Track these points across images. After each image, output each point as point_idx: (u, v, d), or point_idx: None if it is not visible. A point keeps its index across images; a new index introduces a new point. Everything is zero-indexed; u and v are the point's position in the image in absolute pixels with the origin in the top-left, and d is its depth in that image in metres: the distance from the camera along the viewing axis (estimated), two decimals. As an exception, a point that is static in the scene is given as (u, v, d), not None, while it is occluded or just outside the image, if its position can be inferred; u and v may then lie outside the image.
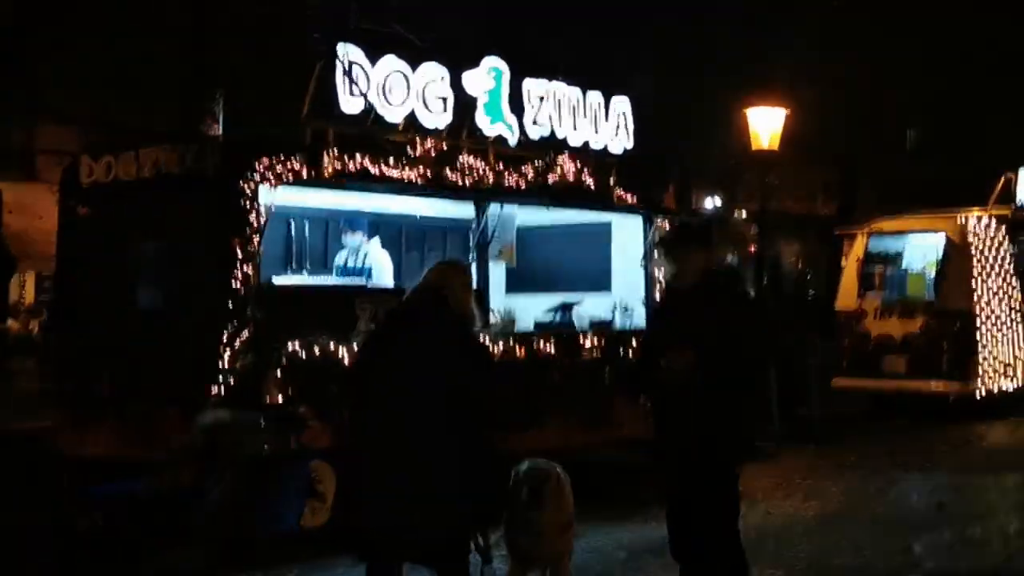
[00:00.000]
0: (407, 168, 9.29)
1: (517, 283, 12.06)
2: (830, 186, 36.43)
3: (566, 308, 11.25)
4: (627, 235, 11.56)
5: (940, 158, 32.26)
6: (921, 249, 17.07)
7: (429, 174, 9.45)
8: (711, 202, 38.87)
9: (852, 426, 15.07)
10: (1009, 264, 16.62)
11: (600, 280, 11.65)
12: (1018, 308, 16.61)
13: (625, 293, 11.47)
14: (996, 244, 16.55)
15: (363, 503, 5.35)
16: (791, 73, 29.11)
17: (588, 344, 10.48)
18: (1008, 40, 29.41)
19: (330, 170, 8.74)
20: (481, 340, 6.37)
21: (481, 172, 9.85)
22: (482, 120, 9.91)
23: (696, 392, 5.54)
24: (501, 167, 10.08)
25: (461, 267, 5.88)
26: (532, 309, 11.43)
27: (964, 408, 15.64)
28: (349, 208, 10.30)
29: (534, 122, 10.32)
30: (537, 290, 11.76)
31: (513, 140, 10.16)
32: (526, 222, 11.90)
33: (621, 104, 11.18)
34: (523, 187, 10.15)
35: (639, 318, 11.31)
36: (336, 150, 8.84)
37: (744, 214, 43.71)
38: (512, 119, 10.13)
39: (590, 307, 11.37)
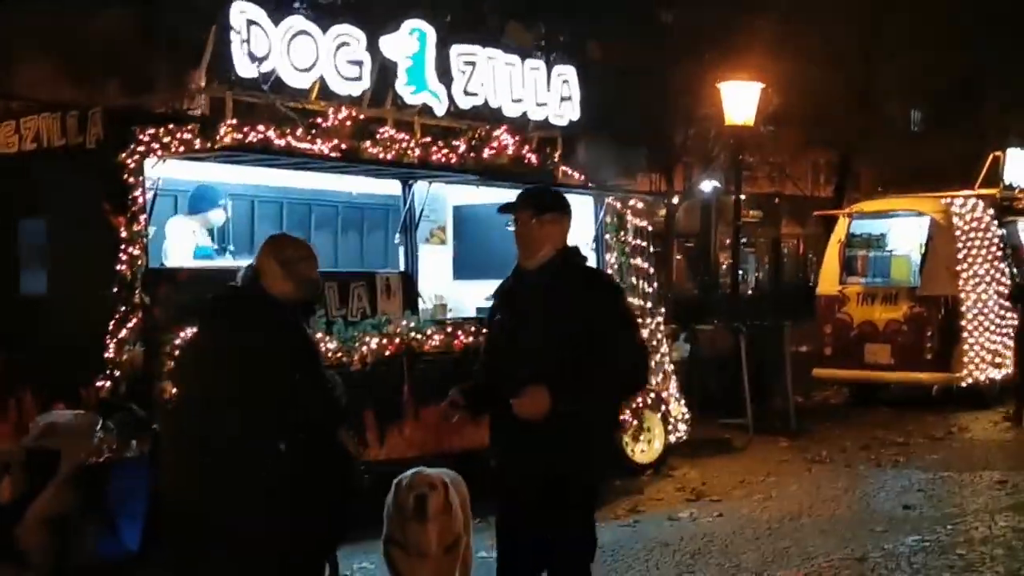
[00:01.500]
0: (319, 140, 8.46)
1: (464, 268, 11.25)
2: (834, 168, 35.79)
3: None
4: (576, 215, 10.68)
5: (944, 139, 31.62)
6: (906, 232, 16.24)
7: (344, 147, 8.62)
8: (708, 184, 38.21)
9: (831, 417, 14.26)
10: (996, 248, 15.76)
11: (548, 264, 10.79)
12: (1007, 294, 15.75)
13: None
14: (983, 227, 15.69)
15: None
16: (786, 51, 28.46)
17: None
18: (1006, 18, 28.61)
19: (227, 141, 7.91)
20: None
21: (405, 145, 9.01)
22: (404, 88, 9.08)
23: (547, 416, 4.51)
24: (429, 140, 9.24)
25: (279, 242, 5.00)
26: (479, 296, 10.62)
27: (949, 399, 14.84)
28: (258, 185, 9.48)
29: (465, 91, 9.49)
30: (485, 275, 10.90)
31: (440, 110, 9.33)
32: (469, 202, 11.11)
33: (566, 73, 10.34)
34: (454, 162, 9.31)
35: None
36: (235, 119, 8.02)
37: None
38: (439, 87, 9.30)
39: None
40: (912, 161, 31.67)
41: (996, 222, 15.88)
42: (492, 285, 10.68)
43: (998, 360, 15.27)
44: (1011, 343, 15.50)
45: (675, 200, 33.08)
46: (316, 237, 9.74)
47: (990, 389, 15.11)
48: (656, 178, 37.81)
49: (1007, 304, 15.64)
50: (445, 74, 9.39)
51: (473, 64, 9.55)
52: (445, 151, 9.28)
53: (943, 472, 10.42)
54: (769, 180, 39.58)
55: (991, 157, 16.91)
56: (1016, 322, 14.29)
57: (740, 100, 15.68)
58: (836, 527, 8.26)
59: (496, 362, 4.81)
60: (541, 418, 4.41)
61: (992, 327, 15.08)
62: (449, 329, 9.02)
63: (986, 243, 15.67)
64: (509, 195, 10.66)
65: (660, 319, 11.08)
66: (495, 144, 9.72)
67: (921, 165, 30.37)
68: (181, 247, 8.96)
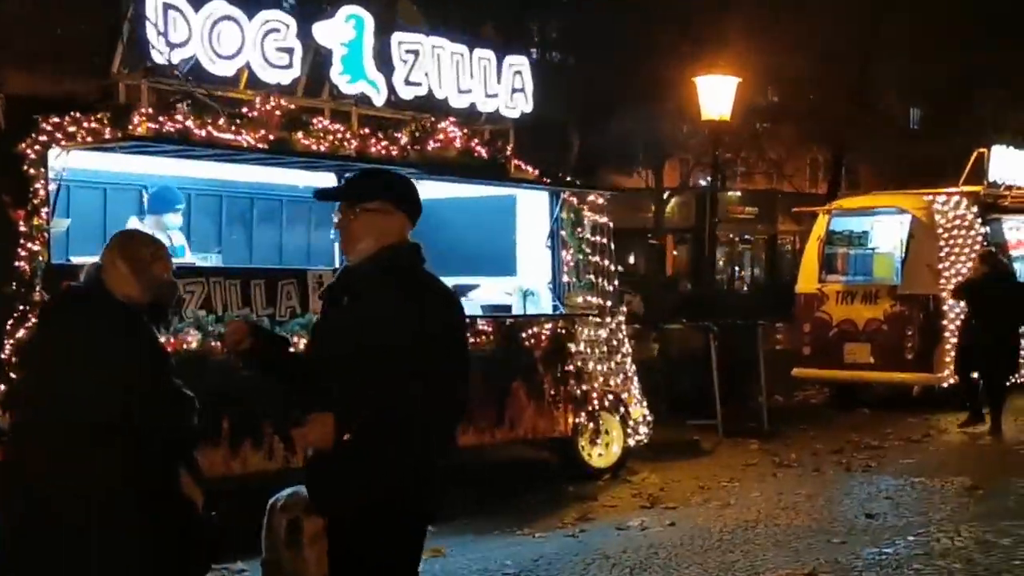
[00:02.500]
0: (244, 131, 8.02)
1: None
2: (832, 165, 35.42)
3: (459, 293, 9.94)
4: (533, 212, 10.30)
5: (940, 136, 31.26)
6: (888, 229, 15.79)
7: (273, 138, 8.18)
8: (705, 181, 37.79)
9: (807, 418, 13.80)
10: (980, 246, 15.27)
11: (504, 262, 10.36)
12: (951, 289, 15.27)
13: (531, 276, 10.21)
14: (966, 225, 15.23)
15: None
16: (781, 47, 28.11)
17: (477, 332, 9.18)
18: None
19: (141, 131, 7.48)
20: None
21: (340, 137, 8.57)
22: (339, 77, 8.65)
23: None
24: (367, 132, 8.80)
25: (133, 241, 4.52)
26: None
27: (930, 400, 14.37)
28: (196, 178, 9.05)
29: (407, 80, 9.05)
30: (438, 273, 10.48)
31: (379, 100, 8.90)
32: (422, 197, 10.66)
33: (517, 63, 9.90)
34: (395, 155, 8.87)
35: (546, 304, 10.06)
36: (150, 108, 7.59)
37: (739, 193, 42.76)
38: (378, 76, 8.86)
39: (489, 291, 10.11)
40: (909, 159, 31.33)
41: (980, 220, 15.43)
42: (450, 283, 10.42)
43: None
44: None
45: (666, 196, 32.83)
46: (259, 233, 9.31)
47: (972, 391, 14.63)
48: (645, 174, 37.59)
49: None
50: (386, 63, 8.95)
51: (416, 53, 9.11)
52: (385, 143, 8.85)
53: (914, 478, 9.96)
54: (766, 177, 39.24)
55: (975, 154, 16.45)
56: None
57: (716, 95, 15.27)
58: (791, 538, 7.80)
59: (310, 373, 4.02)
60: (327, 449, 3.68)
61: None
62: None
63: (969, 241, 15.20)
64: (461, 190, 10.41)
65: (622, 318, 10.64)
66: (440, 137, 9.28)
67: (918, 163, 30.05)
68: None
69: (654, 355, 13.40)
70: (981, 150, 16.35)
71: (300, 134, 8.38)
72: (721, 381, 12.83)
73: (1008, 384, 13.15)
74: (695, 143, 33.17)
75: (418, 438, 3.69)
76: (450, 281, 9.92)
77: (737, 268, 45.21)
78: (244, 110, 8.15)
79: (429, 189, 10.31)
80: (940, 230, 14.90)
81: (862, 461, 10.78)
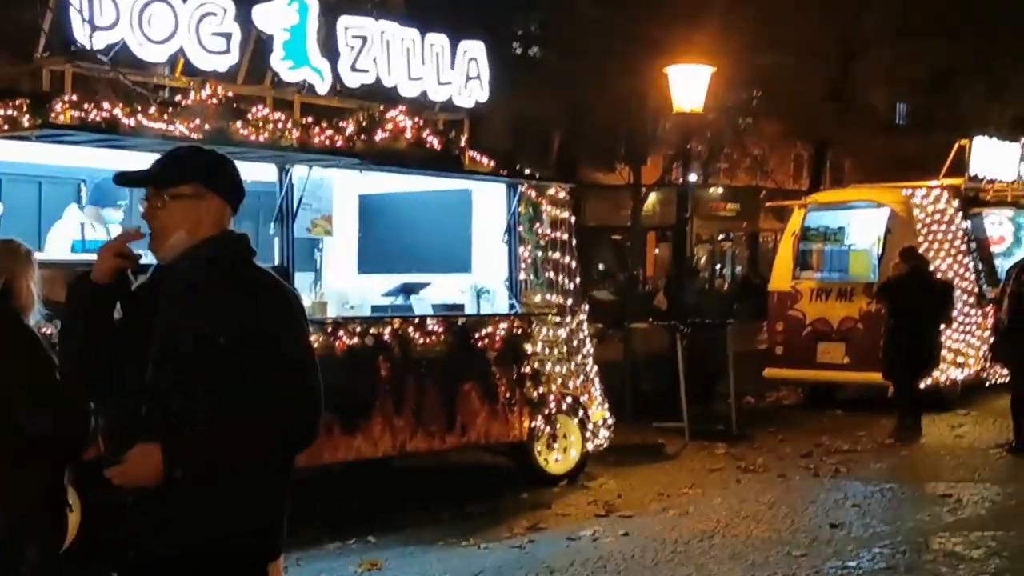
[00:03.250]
0: (178, 120, 7.60)
1: (370, 261, 10.43)
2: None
3: (408, 290, 9.57)
4: (490, 206, 9.88)
5: (923, 130, 30.96)
6: (866, 224, 15.43)
7: (208, 127, 7.75)
8: (692, 176, 37.45)
9: (779, 420, 13.40)
10: (961, 241, 14.95)
11: (459, 259, 9.95)
12: (971, 290, 14.95)
13: (487, 274, 9.81)
14: (946, 219, 14.89)
15: None
16: (762, 41, 27.75)
17: (426, 332, 8.78)
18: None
19: (63, 120, 7.05)
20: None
21: (281, 126, 8.15)
22: (281, 63, 8.22)
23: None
24: (309, 121, 8.38)
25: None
26: (380, 292, 9.83)
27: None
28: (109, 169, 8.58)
29: (353, 67, 8.62)
30: (393, 269, 10.10)
31: (323, 88, 8.47)
32: (372, 190, 10.29)
33: (472, 49, 9.48)
34: (340, 145, 8.44)
35: (501, 303, 9.66)
36: (74, 95, 7.16)
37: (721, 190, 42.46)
38: (323, 63, 8.42)
39: (442, 289, 9.71)
40: (895, 153, 31.01)
41: (961, 214, 15.09)
42: (400, 280, 10.02)
43: (960, 360, 14.48)
44: (975, 342, 14.80)
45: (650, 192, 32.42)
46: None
47: (951, 391, 14.32)
48: (624, 169, 37.24)
49: (971, 301, 14.89)
50: (332, 49, 8.53)
51: (364, 39, 8.68)
52: (329, 133, 8.43)
53: (884, 484, 9.59)
54: (749, 173, 38.94)
55: (956, 146, 16.09)
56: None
57: (689, 86, 14.83)
58: (749, 550, 7.43)
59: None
60: (151, 486, 3.07)
61: (954, 325, 14.21)
62: (329, 330, 8.16)
63: (949, 236, 14.89)
64: (414, 183, 10.01)
65: (583, 317, 10.23)
66: (390, 126, 8.86)
67: (904, 157, 29.72)
68: (60, 238, 8.25)
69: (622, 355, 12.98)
70: (962, 142, 15.99)
71: (238, 123, 7.95)
72: (690, 382, 12.47)
73: (921, 386, 12.82)
74: (677, 138, 32.89)
75: (263, 467, 3.21)
76: (401, 278, 9.75)
77: (719, 266, 44.90)
78: (178, 98, 7.71)
79: (381, 182, 10.02)
80: (919, 225, 14.56)
81: (831, 466, 10.40)
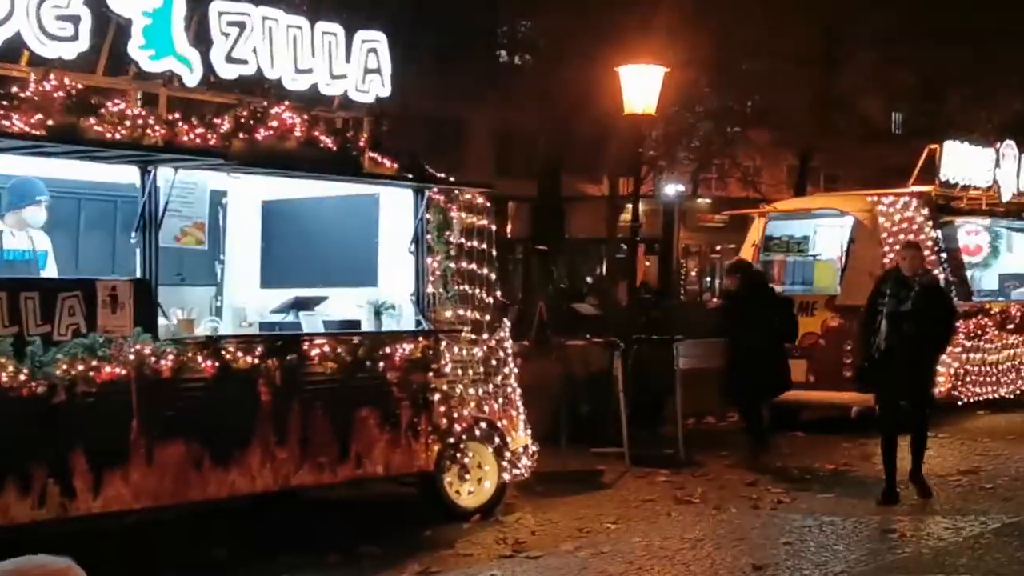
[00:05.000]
0: (15, 115, 6.75)
1: (274, 274, 9.56)
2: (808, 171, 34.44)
3: (301, 306, 8.71)
4: (399, 213, 9.01)
5: (908, 138, 30.29)
6: (831, 234, 14.61)
7: (52, 123, 6.90)
8: (673, 188, 36.75)
9: (733, 443, 12.41)
10: (930, 252, 14.04)
11: (364, 271, 9.08)
12: (942, 303, 14.04)
13: (394, 287, 8.93)
14: (915, 228, 14.03)
15: None
16: (751, 50, 27.15)
17: (314, 353, 7.91)
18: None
19: None
20: None
21: (143, 123, 7.30)
22: (140, 52, 7.36)
23: None
24: (176, 117, 7.53)
25: None
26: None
27: (871, 422, 13.08)
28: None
29: (229, 57, 7.76)
30: (297, 282, 9.24)
31: (192, 80, 7.61)
32: (276, 197, 9.44)
33: (371, 40, 8.62)
34: (212, 144, 7.59)
35: (407, 319, 8.79)
36: None
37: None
38: (192, 53, 7.57)
39: (344, 304, 8.84)
40: (885, 161, 30.26)
41: (931, 223, 14.23)
42: (303, 293, 9.16)
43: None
44: (946, 358, 13.88)
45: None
46: (56, 236, 7.99)
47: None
48: (615, 180, 36.55)
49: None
50: (204, 37, 7.68)
51: (241, 26, 7.82)
52: (201, 131, 7.58)
53: (828, 516, 8.72)
54: (739, 184, 38.20)
55: (926, 151, 15.25)
56: None
57: (640, 86, 14.03)
58: (656, 598, 6.55)
59: None
60: None
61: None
62: (194, 351, 7.28)
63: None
64: (316, 188, 9.14)
65: (504, 334, 9.36)
66: (274, 124, 8.01)
67: (897, 165, 28.98)
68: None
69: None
70: (933, 147, 15.13)
71: (92, 119, 7.10)
72: (637, 404, 11.62)
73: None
74: (657, 145, 32.26)
75: None
76: (294, 292, 8.88)
77: (708, 279, 44.05)
78: (15, 90, 6.87)
79: (285, 188, 9.16)
80: (884, 234, 13.73)
81: (775, 496, 9.53)
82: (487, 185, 9.42)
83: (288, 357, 7.75)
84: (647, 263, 42.41)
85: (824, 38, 29.01)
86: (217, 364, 7.37)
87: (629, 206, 37.27)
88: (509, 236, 34.63)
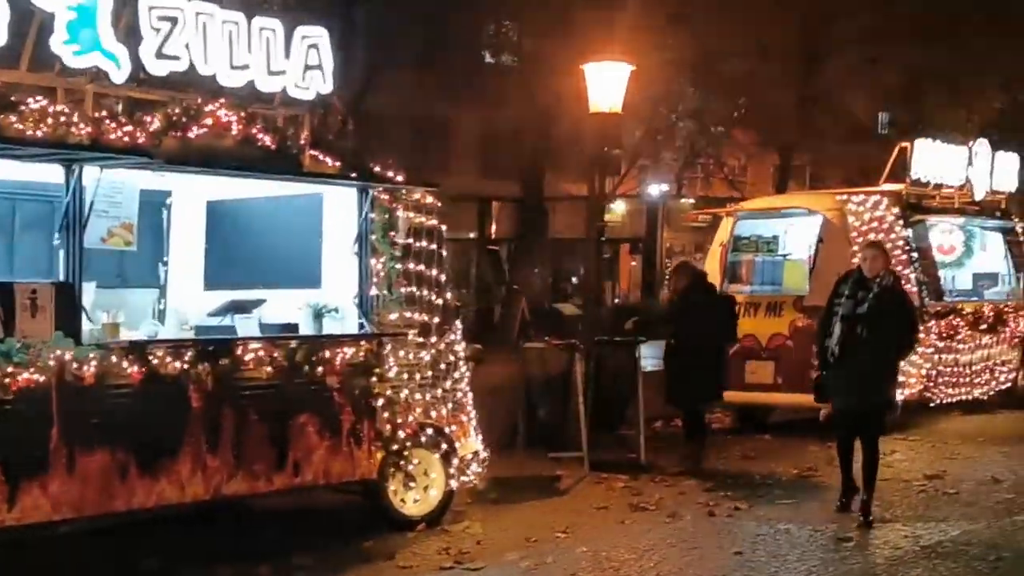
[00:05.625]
0: (-76, 112, 6.50)
1: (217, 276, 9.31)
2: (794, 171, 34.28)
3: (239, 309, 8.45)
4: (343, 213, 8.76)
5: (889, 138, 30.10)
6: (802, 234, 14.36)
7: (-32, 121, 6.64)
8: (657, 188, 36.57)
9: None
10: (901, 251, 13.83)
11: (307, 272, 8.82)
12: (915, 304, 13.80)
13: (339, 289, 8.67)
14: (885, 227, 13.79)
15: None
16: (734, 49, 26.98)
17: (249, 358, 7.65)
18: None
19: None
20: None
21: (66, 121, 7.04)
22: (64, 47, 7.09)
23: None
24: (103, 115, 7.27)
25: None
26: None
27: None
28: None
29: (159, 53, 7.49)
30: (242, 284, 8.99)
31: (120, 76, 7.34)
32: (221, 196, 9.19)
33: (313, 35, 8.36)
34: (141, 142, 7.32)
35: (351, 322, 8.53)
36: None
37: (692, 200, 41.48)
38: (119, 48, 7.30)
39: (285, 307, 8.58)
40: (871, 161, 30.09)
41: (902, 222, 13.99)
42: (248, 295, 8.90)
43: (900, 379, 13.31)
44: (917, 359, 13.68)
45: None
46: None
47: (889, 414, 13.15)
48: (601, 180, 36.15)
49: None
50: (133, 32, 7.42)
51: (173, 21, 7.55)
52: (129, 129, 7.31)
53: (784, 524, 8.48)
54: (725, 184, 38.00)
55: (897, 149, 15.03)
56: None
57: (606, 84, 13.73)
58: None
59: None
60: None
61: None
62: (119, 356, 7.01)
63: (888, 246, 13.69)
64: (268, 188, 8.88)
65: (455, 337, 9.10)
66: (209, 122, 7.75)
67: (874, 164, 28.83)
68: None
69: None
70: (904, 145, 14.92)
71: (12, 117, 6.84)
72: (598, 407, 11.39)
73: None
74: (638, 147, 32.12)
75: None
76: (231, 295, 8.62)
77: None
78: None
79: (230, 188, 8.90)
80: (854, 233, 13.49)
81: (733, 502, 9.29)
82: (434, 184, 9.13)
83: (220, 362, 7.48)
84: (632, 263, 42.27)
85: (804, 36, 28.81)
86: (144, 370, 7.10)
87: (612, 206, 37.28)
88: (493, 236, 34.41)
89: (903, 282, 13.49)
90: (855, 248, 13.19)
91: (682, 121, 32.25)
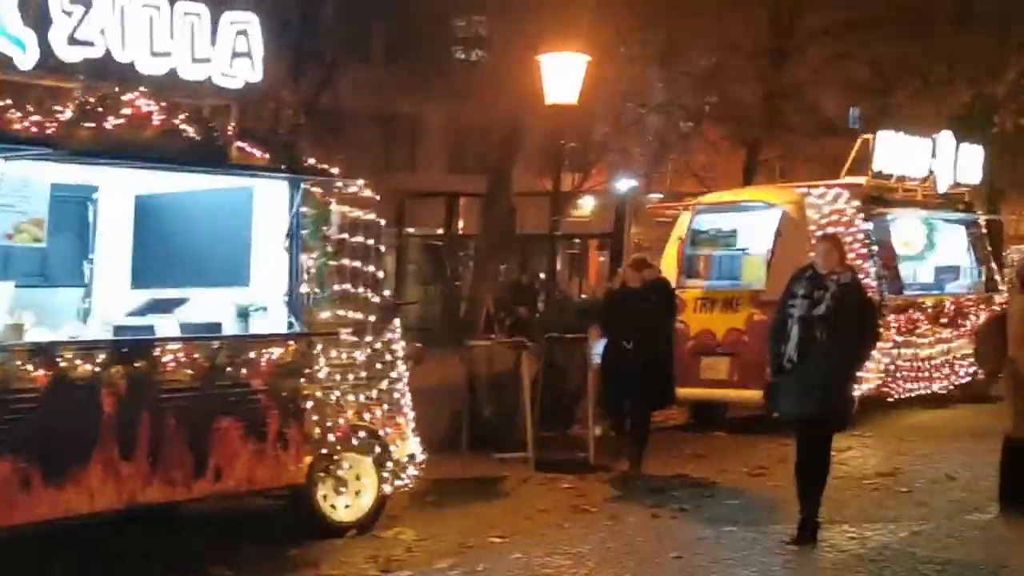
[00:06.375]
0: None
1: (146, 274, 8.96)
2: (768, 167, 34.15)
3: (160, 308, 8.12)
4: (274, 208, 8.42)
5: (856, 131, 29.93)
6: (761, 228, 14.09)
7: None
8: (625, 183, 36.33)
9: (652, 445, 11.88)
10: (861, 245, 13.59)
11: (237, 269, 8.49)
12: (875, 298, 13.55)
13: (268, 287, 8.34)
14: (845, 221, 13.55)
15: None
16: (702, 44, 26.81)
17: (167, 359, 7.32)
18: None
19: None
20: None
21: (-38, 109, 6.70)
22: (-38, 32, 6.76)
23: None
24: (6, 103, 6.92)
25: None
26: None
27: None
28: None
29: (72, 39, 7.14)
30: (170, 283, 8.66)
31: (27, 62, 6.98)
32: (146, 190, 8.85)
33: (241, 21, 8.01)
34: (51, 133, 6.98)
35: (280, 321, 8.20)
36: None
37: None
38: (26, 32, 6.95)
39: (211, 306, 8.24)
40: (835, 155, 29.94)
41: (862, 216, 13.75)
42: (170, 294, 8.57)
43: (857, 376, 13.05)
44: (875, 354, 13.42)
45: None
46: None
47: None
48: (569, 175, 36.16)
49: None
50: (43, 16, 7.07)
51: (87, 4, 7.20)
52: (37, 119, 6.97)
53: (728, 526, 8.22)
54: (696, 179, 37.81)
55: (859, 141, 14.80)
56: None
57: (562, 75, 13.46)
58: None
59: None
60: None
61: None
62: (22, 359, 6.67)
63: (848, 240, 13.46)
64: (197, 182, 8.53)
65: (393, 335, 8.78)
66: (127, 111, 7.41)
67: (843, 159, 28.67)
68: None
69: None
70: (866, 137, 14.68)
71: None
72: (548, 405, 11.12)
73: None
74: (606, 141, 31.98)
75: None
76: (151, 293, 8.29)
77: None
78: None
79: (160, 182, 8.54)
80: (813, 227, 13.24)
81: (679, 503, 9.02)
82: (369, 177, 8.81)
83: (135, 364, 7.15)
84: (601, 258, 42.03)
85: (772, 31, 28.63)
86: (50, 373, 6.76)
87: (580, 201, 37.03)
88: (461, 232, 34.12)
89: (862, 275, 13.44)
90: (814, 242, 12.93)
91: (651, 115, 32.06)
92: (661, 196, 41.46)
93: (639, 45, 27.68)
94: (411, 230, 31.66)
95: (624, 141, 32.88)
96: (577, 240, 39.75)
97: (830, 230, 13.24)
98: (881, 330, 12.59)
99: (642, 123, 32.27)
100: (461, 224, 34.71)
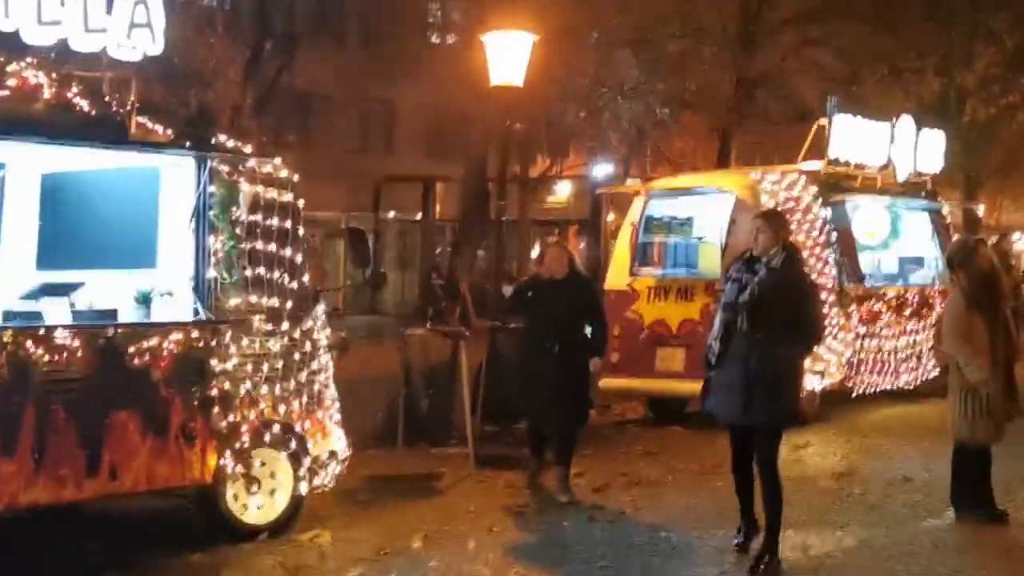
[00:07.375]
0: None
1: (53, 255, 8.36)
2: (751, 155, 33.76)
3: (54, 292, 7.54)
4: (183, 187, 7.86)
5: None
6: (716, 214, 13.58)
7: None
8: (603, 170, 35.92)
9: (602, 441, 11.39)
10: (819, 232, 13.10)
11: (144, 251, 7.92)
12: (831, 287, 13.06)
13: (174, 270, 7.78)
14: (802, 207, 13.05)
15: None
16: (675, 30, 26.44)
17: (55, 348, 6.76)
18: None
19: None
20: None
21: None
22: None
23: None
24: None
25: None
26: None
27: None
28: None
29: (-52, 4, 6.59)
30: (80, 264, 8.08)
31: None
32: (53, 168, 8.26)
33: (139, -11, 7.44)
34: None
35: (185, 308, 7.63)
36: None
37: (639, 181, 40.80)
38: None
39: (114, 289, 7.66)
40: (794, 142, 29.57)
41: (819, 202, 13.25)
42: (86, 276, 7.99)
43: (818, 368, 12.59)
44: (837, 346, 12.98)
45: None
46: None
47: (809, 403, 12.40)
48: (546, 160, 35.76)
49: (830, 299, 12.96)
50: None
51: (-36, -33, 6.64)
52: (-94, 89, 6.40)
53: (666, 530, 7.71)
54: (673, 166, 37.38)
55: (815, 126, 14.29)
56: None
57: (507, 55, 12.91)
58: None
59: None
60: None
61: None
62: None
63: (805, 226, 13.01)
64: (105, 159, 7.96)
65: (315, 324, 8.21)
66: (12, 83, 6.84)
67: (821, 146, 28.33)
68: None
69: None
70: (821, 122, 14.15)
71: None
72: (491, 398, 10.60)
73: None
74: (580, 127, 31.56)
75: None
76: (45, 277, 7.71)
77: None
78: None
79: (68, 159, 7.95)
80: (767, 214, 12.70)
81: (622, 503, 8.52)
82: (282, 156, 8.25)
83: (18, 353, 6.59)
84: (581, 245, 41.53)
85: (742, 16, 28.19)
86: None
87: (556, 187, 36.52)
88: (438, 218, 33.59)
89: (821, 264, 12.95)
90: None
91: (626, 101, 31.58)
92: (639, 182, 41.09)
93: (610, 30, 27.17)
94: (391, 214, 31.11)
95: (598, 126, 32.43)
96: (557, 228, 39.18)
97: (788, 217, 12.79)
98: (828, 318, 12.16)
99: (616, 108, 31.81)
100: (438, 209, 34.19)
